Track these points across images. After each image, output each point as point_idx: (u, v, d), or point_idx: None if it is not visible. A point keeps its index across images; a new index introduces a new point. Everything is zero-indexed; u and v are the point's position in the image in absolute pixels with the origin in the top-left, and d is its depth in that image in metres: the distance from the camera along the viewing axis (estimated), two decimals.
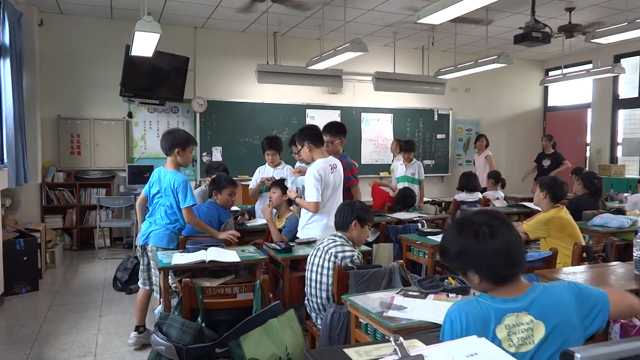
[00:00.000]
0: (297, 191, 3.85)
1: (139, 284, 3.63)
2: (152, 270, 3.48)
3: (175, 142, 3.50)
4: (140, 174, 6.89)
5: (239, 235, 3.69)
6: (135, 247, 5.49)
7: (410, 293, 2.28)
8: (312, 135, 3.65)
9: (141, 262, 3.59)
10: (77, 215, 6.76)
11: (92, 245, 6.68)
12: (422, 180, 6.29)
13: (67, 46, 6.82)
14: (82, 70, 6.91)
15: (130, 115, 7.18)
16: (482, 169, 7.87)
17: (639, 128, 8.36)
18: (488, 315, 1.47)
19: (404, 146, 6.35)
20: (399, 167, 6.36)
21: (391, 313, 2.05)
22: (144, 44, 4.80)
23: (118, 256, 6.13)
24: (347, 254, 2.74)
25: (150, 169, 6.89)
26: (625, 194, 6.45)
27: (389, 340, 0.83)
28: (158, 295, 3.44)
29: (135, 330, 3.57)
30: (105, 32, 6.95)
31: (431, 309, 2.07)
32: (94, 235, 6.65)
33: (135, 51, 5.07)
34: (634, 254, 2.72)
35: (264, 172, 4.76)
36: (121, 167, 7.06)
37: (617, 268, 2.87)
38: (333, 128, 4.17)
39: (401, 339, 0.77)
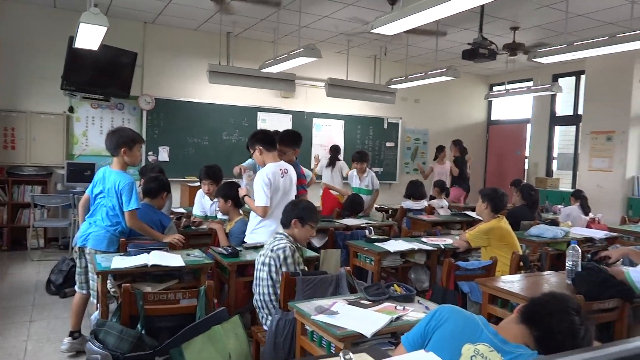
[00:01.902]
0: (246, 190, 3.79)
1: (76, 287, 3.45)
2: (90, 273, 3.32)
3: (121, 141, 3.35)
4: (80, 171, 6.58)
5: (184, 240, 3.59)
6: (72, 248, 5.23)
7: (359, 301, 2.29)
8: (264, 140, 3.63)
9: (78, 264, 3.42)
10: (8, 213, 6.35)
11: (24, 245, 6.29)
12: (377, 189, 6.30)
13: (4, 33, 6.41)
14: (19, 59, 6.52)
15: (71, 110, 6.84)
16: (442, 177, 7.95)
17: (573, 144, 8.89)
18: (470, 331, 1.48)
19: (356, 156, 6.18)
20: (354, 179, 6.31)
21: (319, 317, 2.05)
22: (90, 36, 4.59)
23: (53, 258, 5.81)
24: (281, 244, 2.79)
25: (91, 167, 6.62)
26: (559, 206, 6.83)
27: (337, 355, 0.82)
28: (95, 300, 3.29)
29: (69, 336, 3.39)
30: (47, 21, 6.59)
31: (362, 319, 2.05)
32: (26, 235, 6.28)
33: (80, 43, 4.84)
34: (567, 264, 2.87)
35: (203, 200, 4.64)
36: (59, 164, 6.71)
37: (551, 277, 3.02)
38: (287, 138, 4.08)
39: (350, 354, 0.76)
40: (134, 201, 3.28)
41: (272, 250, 2.79)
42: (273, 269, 2.74)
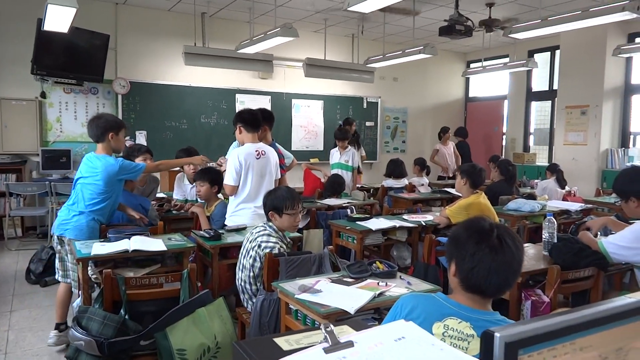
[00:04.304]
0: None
1: (58, 277, 3.35)
2: (69, 263, 3.26)
3: (108, 125, 3.29)
4: (55, 158, 6.44)
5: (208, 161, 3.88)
6: (51, 236, 5.14)
7: (342, 279, 2.31)
8: (246, 120, 3.61)
9: (59, 252, 3.34)
10: None
11: (1, 235, 6.18)
12: (356, 167, 6.36)
13: None
14: None
15: (43, 95, 6.66)
16: (451, 157, 8.21)
17: (549, 119, 9.03)
18: (434, 311, 1.47)
19: (337, 134, 6.37)
20: (334, 154, 6.40)
21: (303, 296, 2.07)
22: (59, 18, 4.45)
23: (31, 247, 5.72)
24: (270, 244, 2.73)
25: (67, 154, 6.50)
26: (536, 180, 6.96)
27: (318, 328, 0.84)
28: (76, 290, 3.24)
29: (55, 329, 3.29)
30: (13, 2, 6.36)
31: (345, 296, 2.07)
32: (3, 224, 6.15)
33: (49, 26, 4.69)
34: (543, 236, 2.95)
35: (183, 184, 4.62)
36: (34, 151, 6.55)
37: (529, 249, 3.09)
38: None
39: (331, 326, 0.77)
40: (136, 167, 3.38)
41: (259, 246, 2.73)
42: (257, 264, 2.71)
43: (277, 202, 2.83)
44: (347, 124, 7.34)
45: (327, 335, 0.74)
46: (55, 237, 3.33)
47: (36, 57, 5.98)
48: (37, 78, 6.34)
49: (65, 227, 3.26)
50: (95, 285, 2.87)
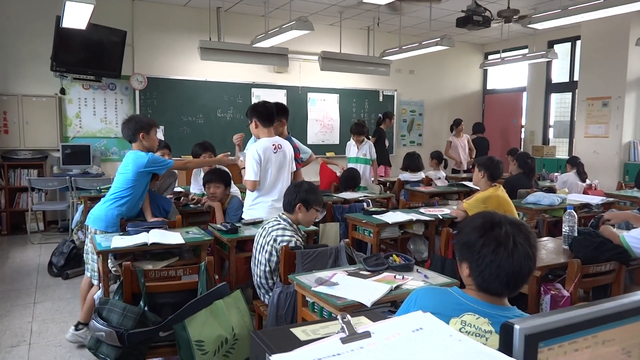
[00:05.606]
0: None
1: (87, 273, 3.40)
2: (90, 254, 3.32)
3: (138, 126, 3.37)
4: (75, 154, 6.55)
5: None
6: (72, 230, 5.25)
7: (359, 272, 2.31)
8: (261, 113, 3.59)
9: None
10: (6, 197, 6.35)
11: (24, 229, 6.31)
12: (374, 159, 6.33)
13: None
14: (7, 42, 6.41)
15: (62, 91, 6.76)
16: (464, 150, 8.08)
17: (569, 111, 8.87)
18: (450, 306, 1.45)
19: (354, 128, 6.30)
20: (352, 148, 6.35)
21: (319, 288, 2.07)
22: (77, 15, 4.50)
23: (53, 240, 5.84)
24: (285, 238, 2.73)
25: (86, 149, 6.60)
26: (556, 174, 6.85)
27: (336, 319, 0.84)
28: (95, 281, 3.29)
29: (74, 327, 3.30)
30: (32, 1, 6.46)
31: (362, 289, 2.07)
32: (25, 219, 6.29)
33: (67, 23, 4.75)
34: (563, 230, 2.90)
35: (200, 178, 4.61)
36: (54, 147, 6.66)
37: (548, 243, 3.05)
38: None
39: (348, 316, 0.77)
40: (164, 162, 3.40)
41: (275, 240, 2.73)
42: (274, 259, 2.72)
43: (310, 196, 2.83)
44: (387, 117, 7.27)
45: (345, 326, 0.74)
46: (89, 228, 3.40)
47: (55, 54, 6.08)
48: (57, 75, 6.44)
49: (90, 216, 3.36)
50: (115, 278, 2.92)
